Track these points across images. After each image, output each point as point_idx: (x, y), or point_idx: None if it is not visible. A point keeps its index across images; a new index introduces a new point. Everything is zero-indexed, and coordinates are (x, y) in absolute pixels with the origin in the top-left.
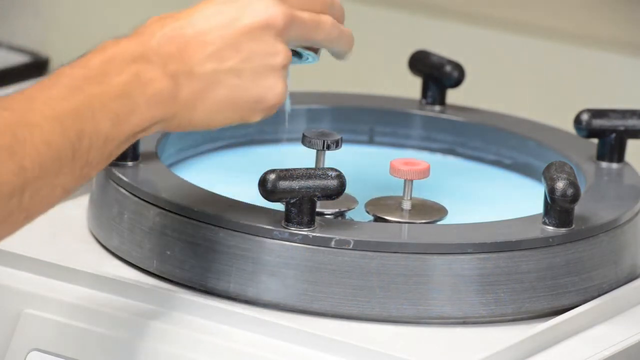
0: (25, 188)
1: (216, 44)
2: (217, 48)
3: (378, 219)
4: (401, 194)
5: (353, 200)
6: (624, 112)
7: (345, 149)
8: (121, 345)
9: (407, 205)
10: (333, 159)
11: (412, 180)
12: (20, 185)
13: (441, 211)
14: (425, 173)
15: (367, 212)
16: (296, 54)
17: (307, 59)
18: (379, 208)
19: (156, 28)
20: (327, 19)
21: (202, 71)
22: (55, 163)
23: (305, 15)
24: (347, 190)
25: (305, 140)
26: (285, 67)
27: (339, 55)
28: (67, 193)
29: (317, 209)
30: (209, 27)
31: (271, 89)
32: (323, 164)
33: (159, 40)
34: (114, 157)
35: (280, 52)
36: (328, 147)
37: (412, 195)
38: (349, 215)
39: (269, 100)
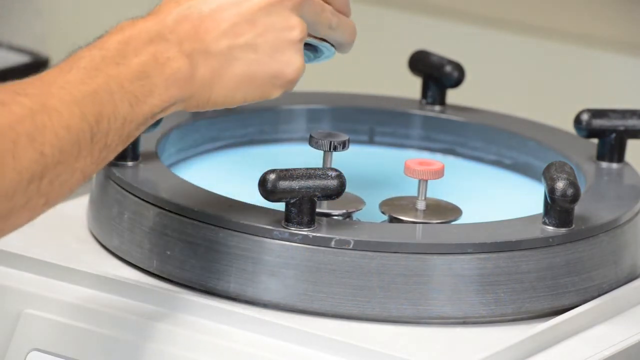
0: (45, 174)
1: (231, 20)
2: (232, 24)
3: (393, 219)
4: (404, 194)
5: (360, 201)
6: (624, 112)
7: None
8: (121, 345)
9: (421, 205)
10: (335, 159)
11: (426, 181)
12: (39, 171)
13: (455, 211)
14: (440, 173)
15: (383, 213)
16: (309, 51)
17: (323, 52)
18: (394, 208)
19: (172, 7)
20: (327, 6)
21: (218, 48)
22: (74, 147)
23: None
24: (353, 192)
25: (312, 141)
26: (302, 41)
27: (341, 47)
28: (86, 177)
29: (325, 210)
30: (224, 4)
31: (289, 64)
32: (330, 165)
33: (175, 19)
34: (132, 139)
35: (296, 26)
36: (335, 148)
37: (415, 194)
38: (356, 216)
39: (288, 75)
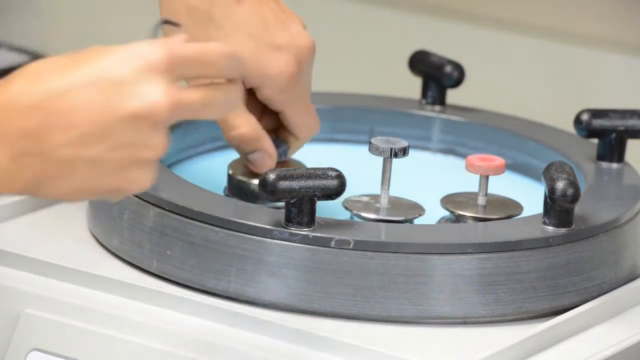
0: None
1: (83, 127)
2: (83, 132)
3: (459, 216)
4: (406, 194)
5: (419, 208)
6: (624, 112)
7: (346, 149)
8: (121, 345)
9: (482, 201)
10: (338, 159)
11: (487, 177)
12: None
13: (516, 207)
14: (501, 169)
15: (447, 210)
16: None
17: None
18: (455, 205)
19: (25, 85)
20: (219, 96)
21: (57, 156)
22: None
23: (195, 96)
24: (356, 192)
25: (372, 148)
26: (157, 160)
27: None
28: None
29: (385, 217)
30: (82, 105)
31: (133, 182)
32: (390, 172)
33: (24, 104)
34: None
35: (154, 146)
36: (395, 155)
37: (425, 192)
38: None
39: (127, 191)
